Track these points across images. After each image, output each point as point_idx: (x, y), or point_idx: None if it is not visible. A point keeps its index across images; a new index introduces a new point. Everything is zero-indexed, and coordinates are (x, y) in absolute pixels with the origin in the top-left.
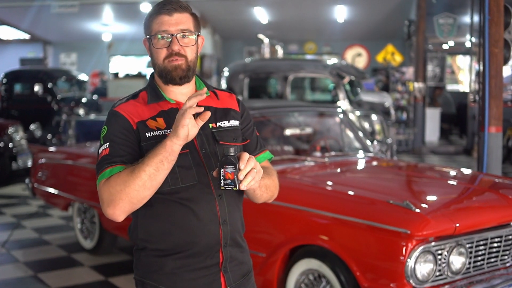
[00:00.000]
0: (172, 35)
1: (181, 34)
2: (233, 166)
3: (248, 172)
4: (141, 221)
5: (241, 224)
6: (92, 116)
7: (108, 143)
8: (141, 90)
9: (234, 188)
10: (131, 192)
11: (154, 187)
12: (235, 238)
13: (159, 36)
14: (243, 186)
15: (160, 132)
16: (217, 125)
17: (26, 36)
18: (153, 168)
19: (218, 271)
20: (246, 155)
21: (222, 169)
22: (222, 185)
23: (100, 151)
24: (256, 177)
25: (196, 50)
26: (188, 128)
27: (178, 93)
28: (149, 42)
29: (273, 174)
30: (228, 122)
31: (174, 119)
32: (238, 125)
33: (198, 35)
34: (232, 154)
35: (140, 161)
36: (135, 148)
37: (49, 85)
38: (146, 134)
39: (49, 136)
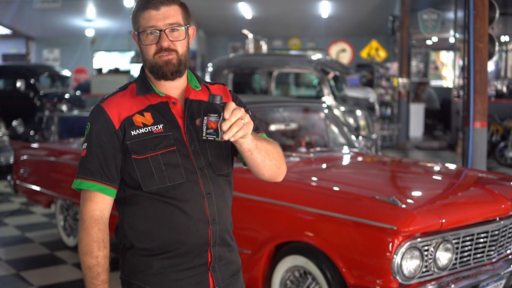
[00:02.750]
0: (160, 30)
1: (170, 28)
2: (217, 115)
3: (233, 123)
4: (127, 220)
5: (230, 223)
6: (75, 112)
7: (86, 144)
8: (131, 82)
9: (216, 139)
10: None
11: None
12: (224, 237)
13: (148, 32)
14: (227, 136)
15: (146, 129)
16: None
17: (8, 32)
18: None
19: (206, 271)
20: (232, 105)
21: (205, 117)
22: (204, 135)
23: (82, 147)
24: (244, 128)
25: (187, 43)
26: None
27: (169, 86)
28: (138, 38)
29: (275, 144)
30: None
31: (162, 114)
32: None
33: (188, 26)
34: (217, 102)
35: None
36: (111, 156)
37: (32, 81)
38: (132, 132)
39: (31, 132)
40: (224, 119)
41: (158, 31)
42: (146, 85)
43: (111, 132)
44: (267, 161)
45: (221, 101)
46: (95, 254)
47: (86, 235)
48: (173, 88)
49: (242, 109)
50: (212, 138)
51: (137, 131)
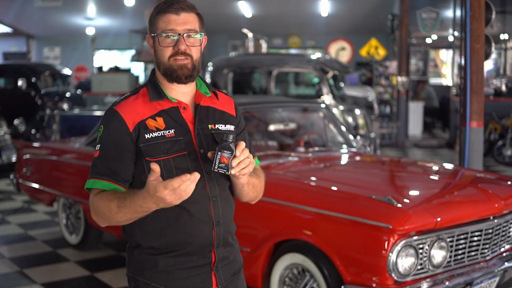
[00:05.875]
0: (179, 34)
1: (188, 34)
2: (230, 152)
3: (242, 161)
4: (136, 220)
5: (233, 224)
6: (76, 111)
7: (99, 145)
8: (141, 86)
9: (226, 172)
10: (109, 221)
11: (131, 221)
12: (227, 238)
13: (165, 34)
14: (233, 171)
15: (159, 133)
16: (216, 127)
17: (9, 30)
18: (126, 216)
19: (209, 270)
20: (243, 144)
21: (219, 153)
22: (216, 168)
23: (95, 148)
24: (249, 166)
25: (200, 50)
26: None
27: (180, 91)
28: (154, 40)
29: (262, 176)
30: (225, 126)
31: (173, 119)
32: (233, 130)
33: (203, 35)
34: (230, 140)
35: (118, 200)
36: (124, 157)
37: (33, 79)
38: (145, 135)
39: (33, 131)
40: (235, 156)
41: (176, 35)
42: (158, 90)
43: (126, 134)
44: (251, 193)
45: (234, 139)
46: (110, 197)
47: (98, 203)
48: (184, 93)
49: (247, 150)
50: (223, 172)
51: (151, 134)
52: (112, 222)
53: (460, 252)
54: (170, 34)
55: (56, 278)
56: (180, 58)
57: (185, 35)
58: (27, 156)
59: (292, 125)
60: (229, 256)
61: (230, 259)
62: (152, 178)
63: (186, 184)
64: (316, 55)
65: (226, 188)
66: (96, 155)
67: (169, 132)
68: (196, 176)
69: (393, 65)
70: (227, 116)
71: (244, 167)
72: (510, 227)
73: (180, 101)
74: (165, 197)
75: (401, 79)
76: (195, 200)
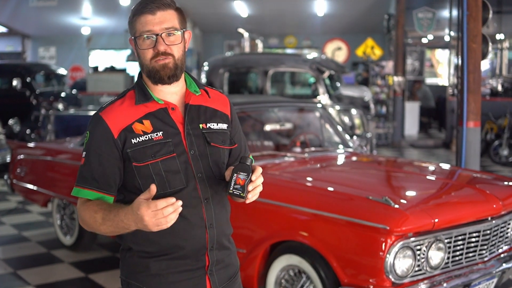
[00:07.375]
0: (156, 35)
1: (166, 32)
2: (246, 174)
3: (256, 186)
4: None
5: (228, 227)
6: (71, 111)
7: (85, 153)
8: (129, 89)
9: (241, 194)
10: (95, 231)
11: (115, 234)
12: (221, 241)
13: (144, 36)
14: (250, 195)
15: (146, 137)
16: (207, 126)
17: (4, 30)
18: (110, 229)
19: (203, 274)
20: (259, 170)
21: (235, 174)
22: (231, 189)
23: (82, 155)
24: (261, 190)
25: (183, 47)
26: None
27: (167, 92)
28: (135, 43)
29: None
30: (217, 124)
31: (162, 121)
32: (226, 128)
33: (184, 31)
34: (248, 164)
35: (104, 211)
36: (109, 165)
37: (28, 79)
38: (132, 140)
39: (28, 131)
40: (251, 180)
41: (154, 36)
42: (145, 93)
43: (110, 141)
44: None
45: (251, 163)
46: (96, 208)
47: (84, 212)
48: (172, 93)
49: (262, 177)
50: (238, 193)
51: (137, 139)
52: (99, 232)
53: (458, 253)
54: (148, 35)
55: (51, 279)
56: (161, 58)
57: (163, 34)
58: (22, 156)
59: (288, 125)
60: (225, 259)
61: (226, 263)
62: (143, 197)
63: (168, 210)
64: (312, 55)
65: (219, 190)
66: (82, 162)
67: (156, 134)
68: (179, 204)
69: (389, 65)
70: (220, 114)
71: (258, 192)
72: (508, 228)
73: (167, 101)
74: (144, 217)
75: (397, 79)
76: (187, 203)
